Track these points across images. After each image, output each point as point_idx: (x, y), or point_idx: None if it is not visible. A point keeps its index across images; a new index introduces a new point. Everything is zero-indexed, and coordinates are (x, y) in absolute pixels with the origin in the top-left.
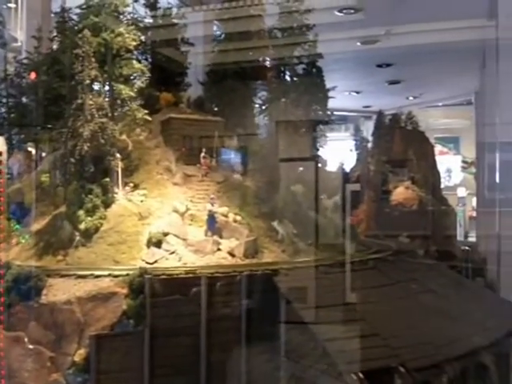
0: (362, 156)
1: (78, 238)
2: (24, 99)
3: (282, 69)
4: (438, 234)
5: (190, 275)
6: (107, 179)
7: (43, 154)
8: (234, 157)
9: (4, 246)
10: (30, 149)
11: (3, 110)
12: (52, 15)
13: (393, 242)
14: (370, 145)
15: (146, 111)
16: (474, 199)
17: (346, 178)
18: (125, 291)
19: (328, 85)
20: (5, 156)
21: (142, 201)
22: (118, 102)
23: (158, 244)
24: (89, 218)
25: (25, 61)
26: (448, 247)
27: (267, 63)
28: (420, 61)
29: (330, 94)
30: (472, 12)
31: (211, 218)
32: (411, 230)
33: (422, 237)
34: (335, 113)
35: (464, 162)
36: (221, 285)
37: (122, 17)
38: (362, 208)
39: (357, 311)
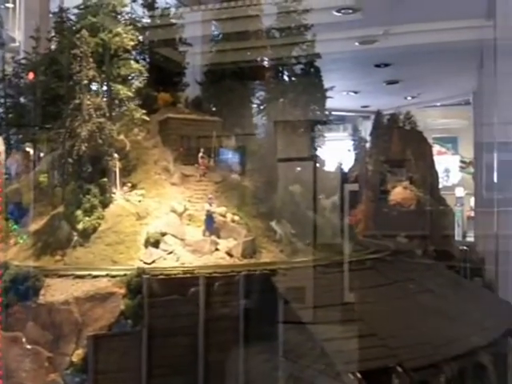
0: (360, 156)
1: (75, 238)
2: (22, 99)
3: (280, 69)
4: (436, 234)
5: (188, 275)
6: (105, 179)
7: (41, 154)
8: (232, 157)
9: (2, 246)
10: (28, 149)
11: (1, 110)
12: (50, 15)
13: (391, 241)
14: (368, 145)
15: (144, 111)
16: (472, 199)
17: (344, 177)
18: (123, 291)
19: (326, 85)
20: (3, 156)
21: (139, 201)
22: (116, 102)
23: (156, 244)
24: (87, 218)
25: (23, 61)
26: (446, 247)
27: (265, 63)
28: (418, 61)
29: (328, 93)
30: (470, 12)
31: (209, 217)
32: (409, 229)
33: (420, 237)
34: (333, 113)
35: (462, 161)
36: (219, 285)
37: (119, 17)
38: (360, 208)
39: (355, 311)
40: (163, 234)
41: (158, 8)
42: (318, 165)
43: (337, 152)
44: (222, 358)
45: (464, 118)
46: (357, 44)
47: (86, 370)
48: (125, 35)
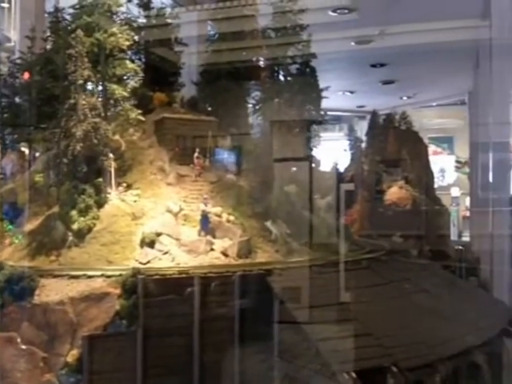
0: (355, 156)
1: (70, 238)
2: (17, 99)
3: (276, 69)
4: (432, 234)
5: (184, 275)
6: (100, 179)
7: (37, 154)
8: (227, 157)
9: None
10: (23, 149)
11: None
12: (45, 15)
13: (386, 241)
14: (363, 145)
15: (140, 111)
16: (468, 199)
17: (339, 177)
18: (118, 291)
19: (322, 85)
20: None
21: (135, 201)
22: (111, 101)
23: (151, 244)
24: (82, 219)
25: (18, 61)
26: (441, 247)
27: (261, 63)
28: (414, 61)
29: (324, 93)
30: (466, 12)
31: (204, 218)
32: (405, 229)
33: (416, 236)
34: (329, 113)
35: (458, 161)
36: (214, 285)
37: (115, 17)
38: (356, 208)
39: (350, 311)
40: (158, 234)
41: (153, 8)
42: (313, 165)
43: (332, 152)
44: (217, 358)
45: (459, 118)
46: (353, 44)
47: (81, 370)
48: (120, 35)
